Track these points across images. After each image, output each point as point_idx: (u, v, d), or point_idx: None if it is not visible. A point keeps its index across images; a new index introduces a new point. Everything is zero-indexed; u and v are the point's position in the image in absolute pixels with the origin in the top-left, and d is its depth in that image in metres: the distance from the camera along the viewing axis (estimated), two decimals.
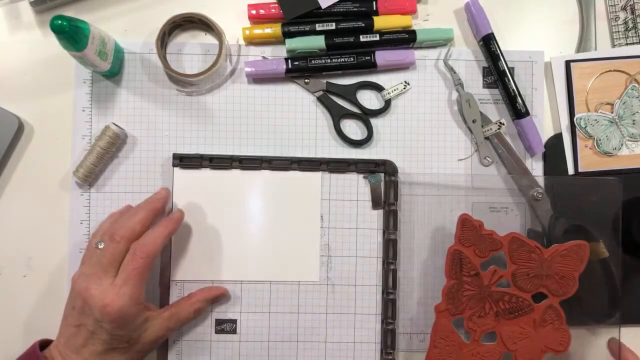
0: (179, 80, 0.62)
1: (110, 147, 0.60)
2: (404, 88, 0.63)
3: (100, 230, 0.56)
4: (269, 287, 0.62)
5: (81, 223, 0.62)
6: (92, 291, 0.51)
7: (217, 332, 0.61)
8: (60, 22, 0.50)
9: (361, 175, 0.62)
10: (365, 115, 0.63)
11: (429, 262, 0.63)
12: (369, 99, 0.64)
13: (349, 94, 0.63)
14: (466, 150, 0.64)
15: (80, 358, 0.52)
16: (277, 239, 0.62)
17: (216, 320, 0.61)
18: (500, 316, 0.58)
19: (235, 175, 0.62)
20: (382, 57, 0.62)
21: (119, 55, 0.61)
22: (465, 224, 0.58)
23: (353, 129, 0.64)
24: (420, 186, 0.63)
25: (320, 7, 0.62)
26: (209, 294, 0.59)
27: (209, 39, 0.63)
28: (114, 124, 0.60)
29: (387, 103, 0.63)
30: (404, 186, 0.63)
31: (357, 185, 0.62)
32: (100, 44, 0.56)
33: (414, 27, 0.64)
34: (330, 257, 0.62)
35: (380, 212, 0.62)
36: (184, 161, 0.61)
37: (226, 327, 0.61)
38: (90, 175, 0.61)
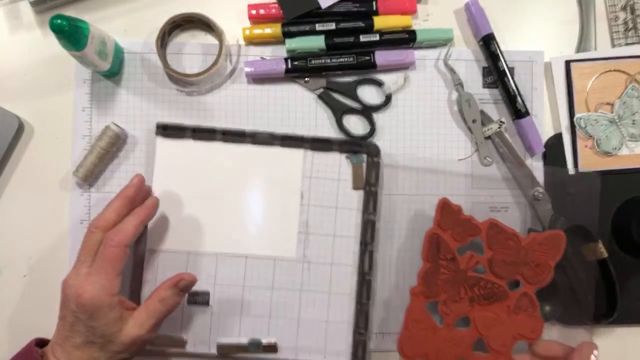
0: (179, 80, 0.62)
1: (111, 147, 0.61)
2: (404, 81, 0.63)
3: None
4: (244, 260, 0.61)
5: (81, 223, 0.62)
6: (69, 281, 0.52)
7: (189, 303, 0.61)
8: (59, 21, 0.50)
9: (343, 155, 0.62)
10: (367, 111, 0.63)
11: (408, 245, 0.63)
12: (369, 95, 0.64)
13: (349, 90, 0.63)
14: (466, 150, 0.64)
15: (64, 352, 0.52)
16: (256, 213, 0.61)
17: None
18: (475, 302, 0.59)
19: (218, 147, 0.61)
20: (382, 57, 0.62)
21: (118, 55, 0.61)
22: (445, 208, 0.59)
23: (355, 125, 0.64)
24: (405, 170, 0.63)
25: (320, 7, 0.62)
26: (172, 280, 0.56)
27: (209, 39, 0.63)
28: (114, 123, 0.60)
29: (388, 98, 0.63)
30: (388, 169, 0.63)
31: (338, 165, 0.62)
32: (100, 43, 0.56)
33: (414, 27, 0.64)
34: (308, 235, 0.62)
35: (361, 192, 0.62)
36: (167, 130, 0.61)
37: (199, 298, 0.61)
38: (91, 175, 0.61)
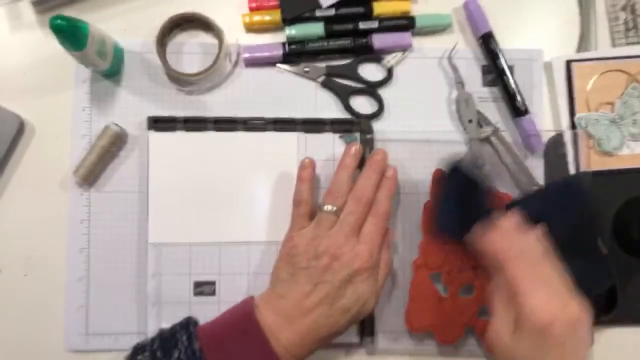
0: (179, 79, 0.62)
1: (111, 147, 0.61)
2: (403, 54, 0.63)
3: (331, 194, 0.56)
4: (247, 248, 0.62)
5: (81, 223, 0.61)
6: (344, 248, 0.52)
7: (195, 294, 0.61)
8: (59, 21, 0.51)
9: (337, 135, 0.63)
10: (372, 89, 0.63)
11: (406, 218, 0.63)
12: (370, 72, 0.64)
13: (350, 71, 0.63)
14: (466, 150, 0.64)
15: (294, 328, 0.51)
16: (255, 199, 0.62)
17: (195, 282, 0.61)
18: (477, 269, 0.59)
19: (211, 137, 0.62)
20: (379, 40, 0.63)
21: (118, 54, 0.61)
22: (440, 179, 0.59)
23: (362, 105, 0.64)
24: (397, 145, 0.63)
25: (320, 7, 0.62)
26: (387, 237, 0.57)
27: (208, 39, 0.63)
28: (114, 123, 0.60)
29: (390, 72, 0.63)
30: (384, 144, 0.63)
31: (332, 145, 0.62)
32: (99, 43, 0.56)
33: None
34: None
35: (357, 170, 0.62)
36: (158, 124, 0.61)
37: (205, 289, 0.61)
38: (91, 175, 0.61)
